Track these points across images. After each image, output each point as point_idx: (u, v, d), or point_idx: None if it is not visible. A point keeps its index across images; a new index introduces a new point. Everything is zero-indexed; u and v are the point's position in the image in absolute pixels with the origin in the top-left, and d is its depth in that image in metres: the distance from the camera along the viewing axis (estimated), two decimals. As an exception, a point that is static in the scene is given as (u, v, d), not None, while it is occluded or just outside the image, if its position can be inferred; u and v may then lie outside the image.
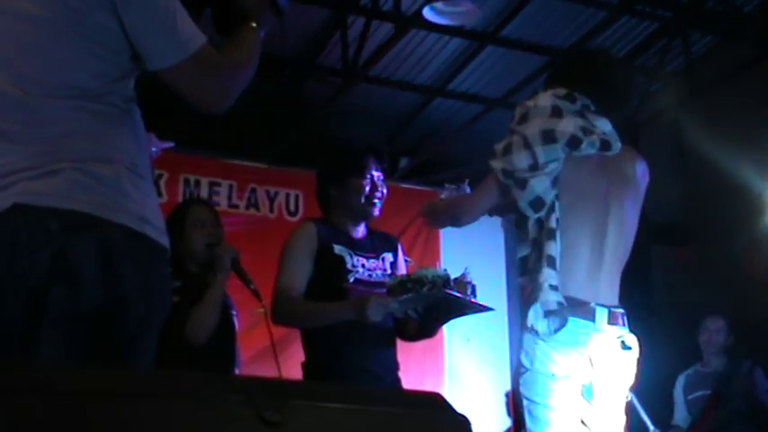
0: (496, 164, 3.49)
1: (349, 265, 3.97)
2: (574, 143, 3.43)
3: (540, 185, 3.44)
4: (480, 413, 8.05)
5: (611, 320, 3.44)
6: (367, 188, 4.05)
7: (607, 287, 3.51)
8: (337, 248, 4.00)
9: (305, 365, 4.11)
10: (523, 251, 9.76)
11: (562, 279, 3.43)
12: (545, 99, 3.52)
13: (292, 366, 4.32)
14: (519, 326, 10.07)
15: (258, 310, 4.66)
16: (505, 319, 9.36)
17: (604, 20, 8.04)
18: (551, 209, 3.46)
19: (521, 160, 3.43)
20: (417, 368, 7.70)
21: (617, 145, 3.53)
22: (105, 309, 2.17)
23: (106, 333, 2.18)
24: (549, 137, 3.42)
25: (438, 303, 3.78)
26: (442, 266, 3.87)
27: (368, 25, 7.68)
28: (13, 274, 2.16)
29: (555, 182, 3.46)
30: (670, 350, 8.32)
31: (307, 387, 1.58)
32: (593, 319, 3.42)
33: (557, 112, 3.47)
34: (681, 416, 7.34)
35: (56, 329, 2.16)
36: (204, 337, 3.93)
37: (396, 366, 4.06)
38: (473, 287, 3.86)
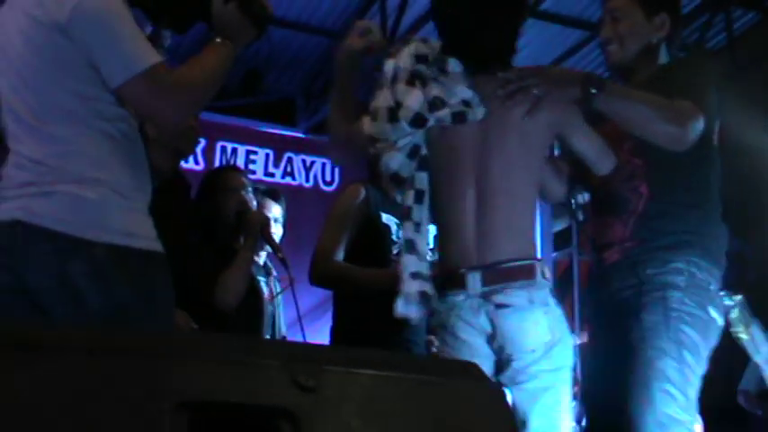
0: (366, 128, 3.13)
1: (394, 237, 3.94)
2: (418, 122, 3.05)
3: (393, 162, 3.14)
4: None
5: (489, 282, 2.99)
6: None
7: (500, 242, 3.03)
8: (385, 217, 3.97)
9: (334, 331, 4.11)
10: (558, 226, 9.74)
11: (442, 252, 3.15)
12: (406, 59, 3.10)
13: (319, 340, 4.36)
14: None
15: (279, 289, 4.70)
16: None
17: (646, -6, 7.97)
18: (411, 184, 3.16)
19: (376, 132, 3.10)
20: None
21: (476, 112, 3.06)
22: (106, 317, 2.41)
23: None
24: (393, 115, 3.06)
25: None
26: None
27: (407, -4, 7.66)
28: (13, 284, 2.46)
29: (414, 153, 3.13)
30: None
31: (341, 353, 1.58)
32: (464, 287, 3.00)
33: (411, 80, 3.07)
34: (755, 382, 7.23)
35: None
36: (234, 301, 3.95)
37: (423, 341, 4.06)
38: None
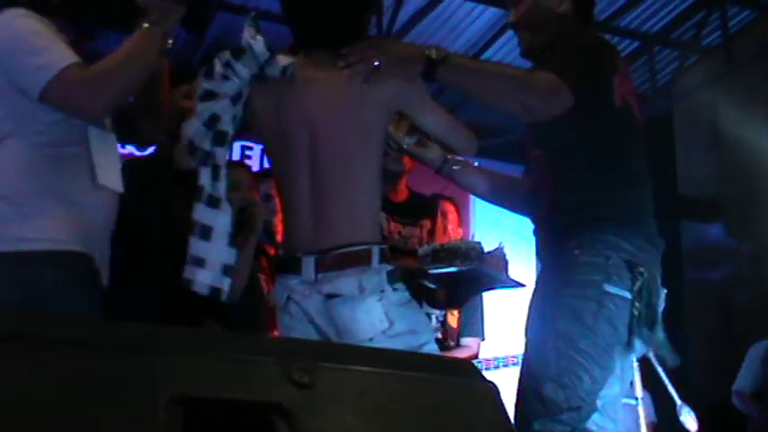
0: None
1: (385, 232, 3.91)
2: (192, 151, 2.94)
3: (189, 128, 2.94)
4: (508, 385, 8.05)
5: (322, 268, 2.89)
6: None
7: (335, 225, 2.93)
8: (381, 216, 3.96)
9: None
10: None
11: (285, 235, 3.09)
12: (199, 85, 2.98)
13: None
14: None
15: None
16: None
17: (641, -8, 7.99)
18: (208, 159, 2.96)
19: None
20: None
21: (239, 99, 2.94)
22: None
23: None
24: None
25: (469, 276, 3.74)
26: (474, 239, 3.85)
27: (403, -8, 7.65)
28: None
29: (211, 123, 2.92)
30: (698, 325, 8.30)
31: (336, 349, 1.59)
32: (299, 272, 2.92)
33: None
34: (751, 382, 7.24)
35: None
36: (233, 297, 3.95)
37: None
38: (506, 262, 3.83)
